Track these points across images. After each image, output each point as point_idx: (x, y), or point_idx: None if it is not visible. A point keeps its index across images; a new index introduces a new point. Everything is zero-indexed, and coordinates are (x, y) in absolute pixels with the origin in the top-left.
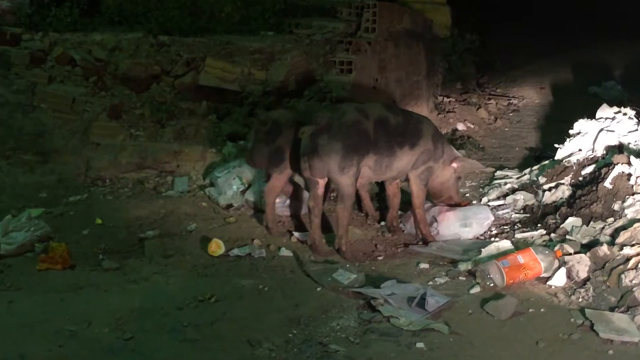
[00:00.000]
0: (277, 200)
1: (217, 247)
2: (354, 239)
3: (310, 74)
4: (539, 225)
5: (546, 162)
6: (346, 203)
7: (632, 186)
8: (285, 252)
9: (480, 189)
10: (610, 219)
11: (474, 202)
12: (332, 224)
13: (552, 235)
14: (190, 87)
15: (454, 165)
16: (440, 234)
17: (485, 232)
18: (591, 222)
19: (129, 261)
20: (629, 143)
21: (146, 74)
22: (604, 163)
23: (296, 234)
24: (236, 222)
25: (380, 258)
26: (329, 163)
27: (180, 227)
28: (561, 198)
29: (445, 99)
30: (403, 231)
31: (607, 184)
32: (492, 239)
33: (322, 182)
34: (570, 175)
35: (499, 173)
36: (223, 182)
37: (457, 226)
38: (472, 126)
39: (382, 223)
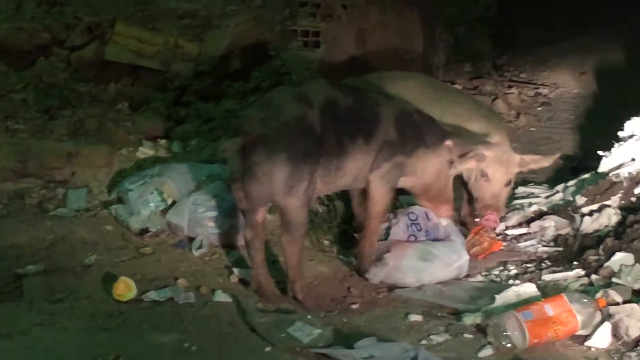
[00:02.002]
0: (211, 224)
1: (125, 288)
2: (317, 280)
3: (262, 47)
4: (575, 262)
5: (586, 175)
6: (295, 233)
7: None
8: (221, 296)
9: None
10: None
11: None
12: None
13: (593, 277)
14: (92, 64)
15: (449, 144)
16: (391, 266)
17: (458, 276)
18: None
19: (0, 307)
20: None
21: (30, 44)
22: None
23: (237, 271)
24: (154, 254)
25: (354, 306)
26: (271, 185)
27: (74, 259)
28: (606, 226)
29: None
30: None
31: None
32: (510, 281)
33: (263, 207)
34: (619, 195)
35: (521, 190)
36: (136, 198)
37: (413, 259)
38: None
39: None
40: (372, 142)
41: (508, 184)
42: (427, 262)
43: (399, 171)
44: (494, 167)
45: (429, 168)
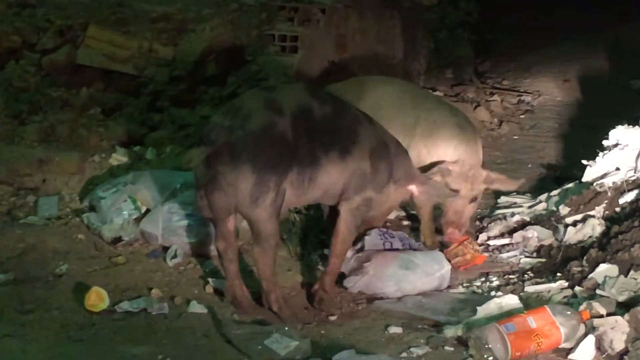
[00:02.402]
0: (185, 233)
1: (98, 298)
2: (295, 291)
3: (238, 52)
4: (558, 274)
5: (570, 185)
6: (266, 245)
7: None
8: (196, 307)
9: (477, 222)
10: None
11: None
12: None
13: (577, 289)
14: (64, 68)
15: (413, 188)
16: (371, 274)
17: (439, 286)
18: (631, 272)
19: None
20: None
21: (0, 47)
22: None
23: (212, 281)
24: (127, 264)
25: (333, 318)
26: (236, 196)
27: (45, 269)
28: (590, 236)
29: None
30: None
31: None
32: (492, 292)
33: (232, 216)
34: (604, 205)
35: (503, 199)
36: (109, 206)
37: (394, 267)
38: None
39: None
40: (348, 159)
41: (473, 200)
42: (409, 271)
43: (368, 207)
44: (459, 183)
45: (385, 203)
